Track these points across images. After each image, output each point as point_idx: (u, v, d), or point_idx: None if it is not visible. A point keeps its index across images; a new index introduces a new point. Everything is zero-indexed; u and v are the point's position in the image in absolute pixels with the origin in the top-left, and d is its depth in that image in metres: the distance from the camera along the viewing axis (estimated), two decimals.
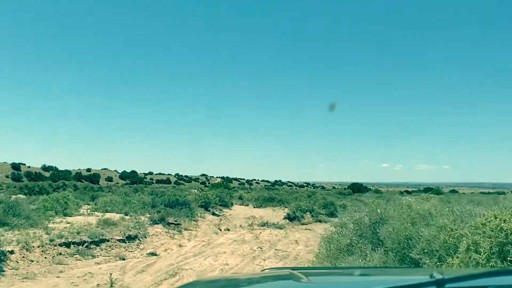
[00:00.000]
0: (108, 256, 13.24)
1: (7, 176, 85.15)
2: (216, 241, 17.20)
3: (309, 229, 21.72)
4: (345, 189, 75.45)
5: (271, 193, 44.23)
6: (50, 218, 17.70)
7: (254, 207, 34.46)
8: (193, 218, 21.25)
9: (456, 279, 1.62)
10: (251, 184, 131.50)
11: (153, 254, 13.98)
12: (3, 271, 10.38)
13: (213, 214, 25.70)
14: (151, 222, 18.58)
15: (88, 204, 26.58)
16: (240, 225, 22.47)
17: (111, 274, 10.07)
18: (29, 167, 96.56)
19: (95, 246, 13.69)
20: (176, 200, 21.82)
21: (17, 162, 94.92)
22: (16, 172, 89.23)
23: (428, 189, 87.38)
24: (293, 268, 2.68)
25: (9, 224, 14.74)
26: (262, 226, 22.17)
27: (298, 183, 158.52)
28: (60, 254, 12.42)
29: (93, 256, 12.97)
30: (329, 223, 25.70)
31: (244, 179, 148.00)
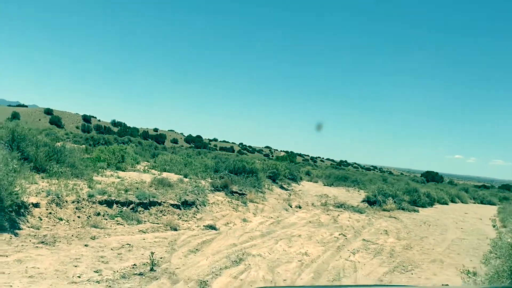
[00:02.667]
0: (157, 224, 10.66)
1: (77, 127, 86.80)
2: (286, 220, 14.30)
3: (394, 217, 18.35)
4: (418, 176, 70.45)
5: (342, 171, 40.79)
6: (99, 170, 15.48)
7: (325, 185, 31.30)
8: (259, 190, 18.46)
9: None
10: (315, 161, 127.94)
11: (211, 227, 11.28)
12: (19, 229, 7.97)
13: (281, 187, 22.82)
14: (212, 189, 15.97)
15: (148, 162, 24.53)
16: (312, 204, 19.45)
17: (152, 253, 7.36)
18: (99, 120, 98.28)
19: (143, 209, 11.16)
20: (242, 167, 19.09)
21: (88, 115, 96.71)
22: (86, 124, 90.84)
23: (507, 187, 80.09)
24: (285, 287, 2.65)
25: (48, 171, 12.52)
26: (339, 207, 19.04)
27: (364, 166, 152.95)
28: (98, 214, 9.94)
29: (139, 222, 10.42)
30: (416, 213, 22.30)
31: (308, 155, 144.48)
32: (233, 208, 14.25)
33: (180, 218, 11.65)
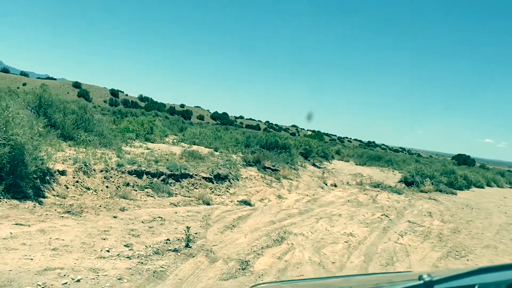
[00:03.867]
0: (189, 197, 10.01)
1: (105, 101, 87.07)
2: (323, 198, 13.52)
3: (434, 199, 17.39)
4: (449, 159, 68.55)
5: (375, 151, 39.67)
6: (128, 140, 14.93)
7: (357, 164, 30.35)
8: (292, 166, 17.71)
9: (444, 280, 1.60)
10: (342, 142, 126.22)
11: (246, 202, 10.59)
12: (44, 198, 7.39)
13: (314, 165, 22.01)
14: (244, 163, 15.26)
15: (176, 135, 23.95)
16: (347, 183, 18.61)
17: (188, 228, 6.67)
18: (126, 95, 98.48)
19: (174, 181, 10.52)
20: (275, 142, 18.32)
21: (116, 89, 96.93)
22: (113, 98, 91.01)
23: None
24: (284, 282, 2.96)
25: (76, 139, 11.98)
26: (375, 187, 18.15)
27: (392, 147, 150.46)
28: (128, 184, 9.33)
29: (170, 194, 9.79)
30: (454, 196, 21.25)
31: (335, 135, 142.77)
32: (267, 184, 13.53)
33: (213, 192, 10.99)
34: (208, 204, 9.78)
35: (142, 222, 7.30)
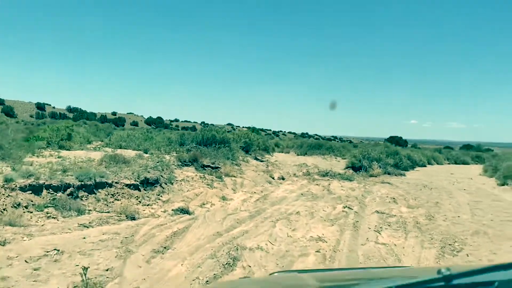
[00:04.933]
0: (107, 213, 7.49)
1: (31, 116, 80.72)
2: (274, 194, 11.35)
3: (388, 183, 15.75)
4: (382, 143, 68.92)
5: (313, 140, 38.22)
6: (37, 149, 12.07)
7: (298, 155, 28.55)
8: (234, 162, 15.43)
9: (464, 275, 1.53)
10: (277, 135, 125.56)
11: (183, 211, 8.21)
12: None
13: (256, 159, 19.85)
14: (179, 164, 12.82)
15: (102, 141, 20.97)
16: (295, 174, 16.60)
17: (85, 269, 4.19)
18: (54, 107, 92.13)
19: (86, 193, 7.92)
20: (212, 137, 15.95)
21: (42, 102, 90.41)
22: (40, 112, 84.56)
23: (468, 146, 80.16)
24: (300, 271, 2.62)
25: None
26: (324, 176, 16.24)
27: (325, 137, 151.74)
28: (19, 205, 6.68)
29: (80, 212, 7.21)
30: (403, 177, 19.83)
31: (270, 130, 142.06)
32: (208, 184, 11.17)
33: (140, 202, 8.50)
34: (133, 218, 7.31)
35: (27, 261, 4.76)
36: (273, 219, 7.97)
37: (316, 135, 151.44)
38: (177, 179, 10.85)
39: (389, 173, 19.66)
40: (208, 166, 13.41)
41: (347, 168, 19.41)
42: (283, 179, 14.62)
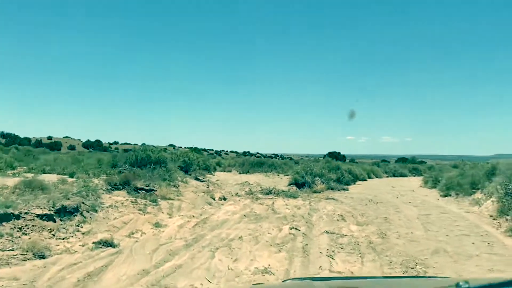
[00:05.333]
0: (11, 251, 6.09)
1: None
2: (214, 217, 10.20)
3: (333, 199, 15.04)
4: (322, 157, 69.35)
5: (255, 158, 37.40)
6: None
7: (240, 173, 27.57)
8: (172, 183, 14.18)
9: None
10: (220, 155, 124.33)
11: (106, 243, 6.91)
12: None
13: (197, 179, 18.65)
14: (109, 187, 11.44)
15: (28, 166, 18.98)
16: (237, 193, 15.55)
17: None
18: None
19: None
20: (147, 157, 14.62)
21: None
22: None
23: (403, 159, 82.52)
24: (314, 279, 2.55)
25: None
26: (267, 194, 15.28)
27: (266, 154, 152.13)
28: None
29: None
30: (347, 192, 19.26)
31: (212, 149, 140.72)
32: (140, 210, 9.88)
33: (54, 235, 7.10)
34: (42, 257, 5.96)
35: None
36: (212, 248, 6.85)
37: (258, 153, 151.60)
38: (103, 205, 9.50)
39: (332, 189, 19.06)
40: (142, 189, 12.09)
41: (290, 184, 18.60)
42: (224, 199, 13.51)
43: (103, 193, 10.61)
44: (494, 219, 10.38)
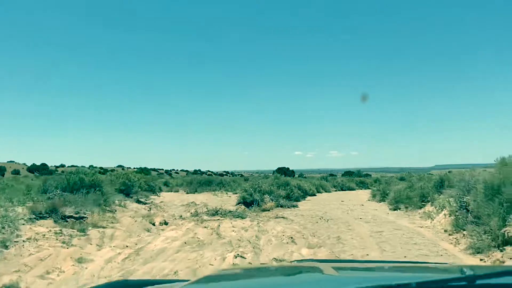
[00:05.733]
0: None
1: None
2: (150, 246, 9.00)
3: (282, 217, 14.17)
4: (272, 173, 68.88)
5: (204, 176, 36.16)
6: None
7: (188, 193, 26.30)
8: (108, 208, 12.84)
9: (488, 276, 1.46)
10: (170, 174, 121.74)
11: None
12: None
13: (138, 202, 17.30)
14: (34, 217, 10.01)
15: None
16: (181, 216, 14.36)
17: None
18: None
19: None
20: (80, 181, 13.18)
21: None
22: None
23: (349, 173, 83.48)
24: (320, 261, 2.71)
25: None
26: (214, 215, 14.19)
27: (217, 172, 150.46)
28: None
29: None
30: (297, 209, 18.43)
31: (162, 169, 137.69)
32: (63, 242, 8.52)
33: None
34: None
35: None
36: None
37: (209, 171, 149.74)
38: (20, 238, 8.11)
39: (282, 206, 18.23)
40: (71, 216, 10.71)
41: (238, 203, 17.59)
42: (166, 224, 12.29)
43: (23, 224, 9.20)
44: (449, 235, 9.79)
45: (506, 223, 7.26)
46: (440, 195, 15.08)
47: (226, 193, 23.90)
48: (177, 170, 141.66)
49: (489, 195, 7.75)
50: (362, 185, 37.09)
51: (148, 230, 11.03)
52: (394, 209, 16.41)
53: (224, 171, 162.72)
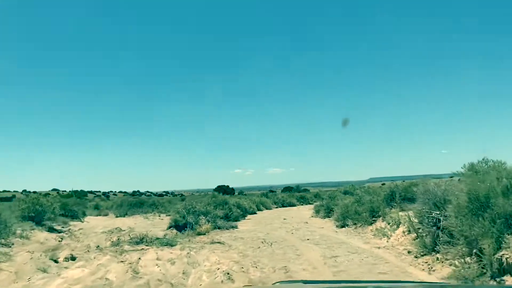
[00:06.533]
0: None
1: None
2: None
3: (219, 242, 11.95)
4: (212, 191, 66.24)
5: (140, 199, 33.08)
6: None
7: (117, 216, 23.34)
8: (2, 240, 10.03)
9: None
10: (108, 196, 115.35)
11: None
12: None
13: (51, 230, 14.39)
14: None
15: None
16: (98, 246, 11.71)
17: None
18: None
19: None
20: None
21: None
22: None
23: (289, 188, 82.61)
24: (305, 282, 2.41)
25: None
26: (138, 243, 11.71)
27: (157, 193, 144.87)
28: None
29: None
30: (236, 230, 16.21)
31: (100, 191, 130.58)
32: None
33: None
34: None
35: None
36: None
37: (148, 191, 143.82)
38: None
39: (219, 228, 16.00)
40: None
41: (170, 227, 15.12)
42: (73, 259, 9.65)
43: None
44: (416, 257, 8.00)
45: (502, 245, 5.48)
46: (391, 209, 13.52)
47: (159, 216, 21.26)
48: (115, 191, 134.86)
49: (474, 209, 5.98)
50: (303, 200, 35.52)
51: (45, 270, 8.38)
52: (342, 226, 14.66)
53: (164, 191, 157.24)
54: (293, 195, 38.36)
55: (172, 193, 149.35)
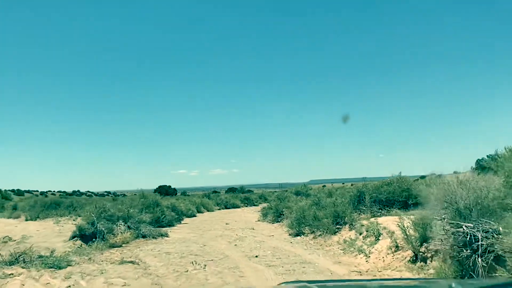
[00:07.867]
0: None
1: None
2: None
3: (131, 262, 8.12)
4: (151, 194, 61.37)
5: (53, 197, 28.11)
6: None
7: (27, 220, 18.68)
8: None
9: None
10: (46, 196, 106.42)
11: None
12: None
13: None
14: None
15: None
16: None
17: None
18: None
19: None
20: None
21: None
22: None
23: (233, 189, 79.01)
24: (310, 282, 2.31)
25: None
26: (12, 264, 7.63)
27: (98, 193, 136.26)
28: None
29: None
30: (165, 238, 12.27)
31: (37, 190, 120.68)
32: None
33: None
34: None
35: None
36: None
37: (89, 191, 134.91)
38: None
39: (144, 236, 12.14)
40: None
41: (74, 238, 11.02)
42: None
43: None
44: None
45: None
46: (360, 214, 10.26)
47: (73, 220, 16.98)
48: (54, 191, 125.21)
49: None
50: (248, 202, 32.03)
51: None
52: (297, 234, 11.25)
53: (106, 191, 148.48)
54: (237, 196, 34.75)
55: (114, 193, 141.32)
